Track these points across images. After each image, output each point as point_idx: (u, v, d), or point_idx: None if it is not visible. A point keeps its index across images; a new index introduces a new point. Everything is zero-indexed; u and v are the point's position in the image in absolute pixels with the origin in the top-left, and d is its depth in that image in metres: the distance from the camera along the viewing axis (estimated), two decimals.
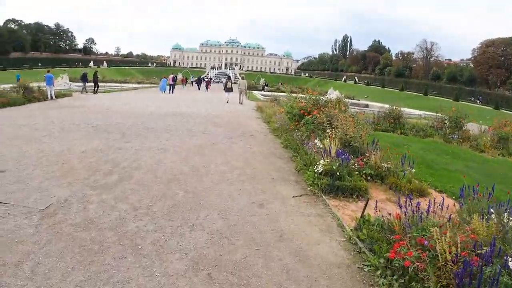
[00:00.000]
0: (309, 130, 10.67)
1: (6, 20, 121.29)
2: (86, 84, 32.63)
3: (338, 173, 7.31)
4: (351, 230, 5.49)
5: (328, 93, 36.00)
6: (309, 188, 7.35)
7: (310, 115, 11.13)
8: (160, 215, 5.61)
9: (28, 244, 4.51)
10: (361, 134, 9.35)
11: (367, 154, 8.79)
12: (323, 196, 6.93)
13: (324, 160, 7.67)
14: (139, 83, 55.42)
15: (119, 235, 4.89)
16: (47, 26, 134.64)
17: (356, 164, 8.01)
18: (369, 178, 7.98)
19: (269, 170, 8.51)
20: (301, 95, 15.43)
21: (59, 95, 25.96)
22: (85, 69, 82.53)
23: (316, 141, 9.36)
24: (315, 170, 7.56)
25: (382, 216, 5.29)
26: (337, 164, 7.49)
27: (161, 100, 26.86)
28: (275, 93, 43.77)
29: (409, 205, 5.04)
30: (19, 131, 11.81)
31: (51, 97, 23.85)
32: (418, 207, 4.96)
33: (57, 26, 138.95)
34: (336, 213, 6.19)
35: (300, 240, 5.19)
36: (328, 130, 9.72)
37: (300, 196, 6.98)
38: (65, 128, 12.48)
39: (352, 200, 6.96)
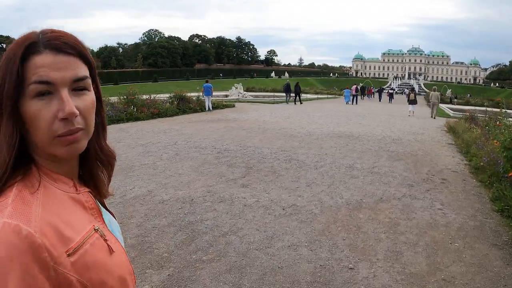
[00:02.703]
0: None
1: (191, 36, 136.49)
2: (291, 94, 33.81)
3: None
4: None
5: None
6: None
7: None
8: None
9: None
10: None
11: None
12: None
13: None
14: (317, 93, 52.95)
15: None
16: (229, 39, 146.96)
17: None
18: None
19: (477, 285, 3.90)
20: None
21: (220, 105, 24.69)
22: (267, 79, 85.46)
23: None
24: None
25: None
26: None
27: (332, 114, 23.06)
28: (467, 107, 37.99)
29: None
30: (127, 153, 9.85)
31: (208, 108, 22.42)
32: None
33: (239, 39, 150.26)
34: None
35: None
36: None
37: None
38: (181, 153, 9.82)
39: None
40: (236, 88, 42.97)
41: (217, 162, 8.90)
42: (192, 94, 24.45)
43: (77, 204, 0.85)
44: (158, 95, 23.26)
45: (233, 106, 25.80)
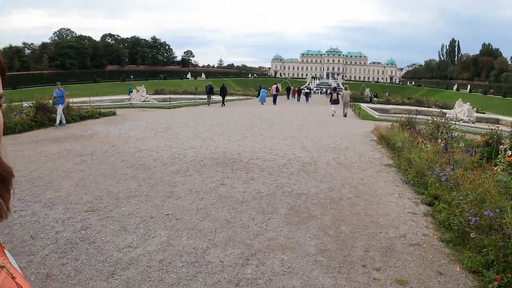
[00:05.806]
0: None
1: (103, 35, 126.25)
2: (212, 96, 32.73)
3: None
4: None
5: (455, 106, 30.85)
6: None
7: None
8: None
9: None
10: None
11: None
12: None
13: None
14: (230, 94, 48.46)
15: None
16: (143, 40, 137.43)
17: None
18: None
19: None
20: None
21: (95, 114, 19.26)
22: (182, 81, 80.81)
23: None
24: None
25: None
26: None
27: (231, 122, 18.49)
28: (389, 106, 37.80)
29: None
30: None
31: (60, 122, 16.43)
32: None
33: (154, 39, 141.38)
34: None
35: None
36: None
37: None
38: None
39: None
40: (138, 91, 37.72)
41: None
42: None
43: None
44: (24, 103, 18.19)
45: (113, 114, 20.37)
